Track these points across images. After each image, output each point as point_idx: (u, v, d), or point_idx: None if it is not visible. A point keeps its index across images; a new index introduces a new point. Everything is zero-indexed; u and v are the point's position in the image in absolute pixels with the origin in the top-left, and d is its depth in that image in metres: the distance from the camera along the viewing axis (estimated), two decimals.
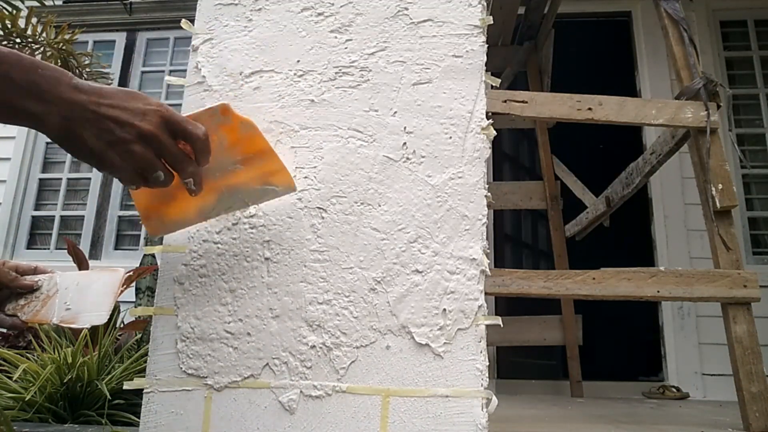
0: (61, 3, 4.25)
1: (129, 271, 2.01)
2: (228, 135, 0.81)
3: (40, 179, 4.18)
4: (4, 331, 2.17)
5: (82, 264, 1.96)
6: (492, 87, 1.02)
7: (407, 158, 0.95)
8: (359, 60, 1.00)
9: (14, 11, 1.94)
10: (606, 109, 1.89)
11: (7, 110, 0.64)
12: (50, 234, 4.07)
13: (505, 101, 1.83)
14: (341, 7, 1.03)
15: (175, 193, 0.81)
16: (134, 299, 2.26)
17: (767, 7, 3.75)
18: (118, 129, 0.66)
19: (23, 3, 1.96)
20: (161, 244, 0.95)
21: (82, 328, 0.87)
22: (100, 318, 0.88)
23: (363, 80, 0.99)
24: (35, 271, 0.95)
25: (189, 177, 0.75)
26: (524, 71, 3.46)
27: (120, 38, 4.37)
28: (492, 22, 1.02)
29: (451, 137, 0.95)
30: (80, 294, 0.90)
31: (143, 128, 0.68)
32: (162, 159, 0.71)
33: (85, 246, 3.91)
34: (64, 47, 2.04)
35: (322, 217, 0.93)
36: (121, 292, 1.78)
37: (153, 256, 2.21)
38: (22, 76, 0.63)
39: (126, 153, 0.68)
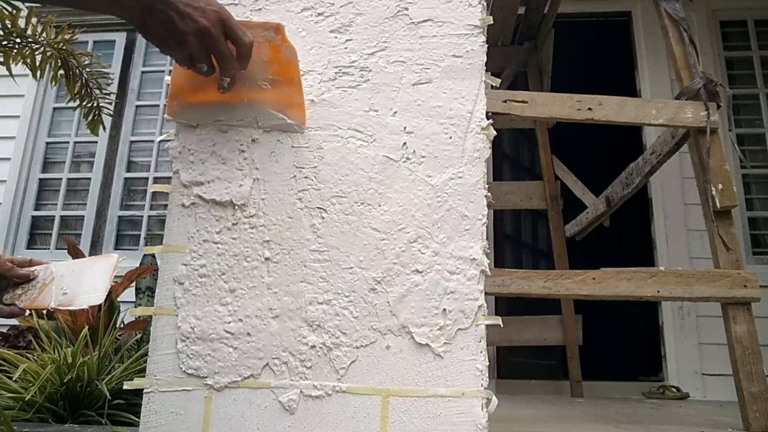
0: None
1: (129, 270, 2.01)
2: (271, 52, 0.90)
3: (40, 179, 4.18)
4: (4, 331, 2.16)
5: None
6: (492, 87, 1.02)
7: (407, 158, 0.95)
8: (359, 60, 1.00)
9: (14, 11, 1.93)
10: (606, 109, 1.89)
11: (103, 2, 0.81)
12: (50, 234, 4.07)
13: (505, 101, 1.83)
14: (341, 7, 1.03)
15: (206, 87, 0.92)
16: (134, 299, 2.26)
17: (767, 7, 3.75)
18: (180, 21, 0.78)
19: (23, 3, 1.96)
20: (161, 244, 0.95)
21: (80, 309, 0.89)
22: (97, 298, 0.89)
23: (363, 80, 0.99)
24: (30, 263, 0.96)
25: (227, 76, 0.86)
26: (524, 71, 3.45)
27: (120, 38, 4.36)
28: (492, 22, 1.02)
29: (451, 137, 0.95)
30: (76, 279, 0.91)
31: (201, 24, 0.79)
32: (210, 54, 0.83)
33: (85, 246, 3.90)
34: (64, 47, 2.03)
35: (322, 217, 0.93)
36: (124, 289, 1.78)
37: (153, 256, 2.21)
38: None
39: (182, 42, 0.80)
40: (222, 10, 0.82)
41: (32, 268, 0.95)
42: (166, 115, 1.00)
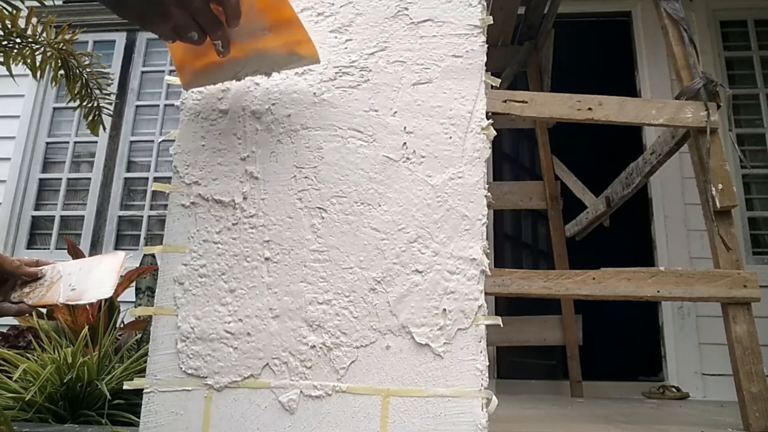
0: (61, 3, 4.25)
1: (129, 270, 2.01)
2: (258, 0, 0.86)
3: (40, 179, 4.17)
4: (4, 331, 2.16)
5: None
6: (492, 87, 1.02)
7: (407, 158, 0.95)
8: (359, 60, 1.00)
9: (14, 11, 1.93)
10: (606, 109, 1.89)
11: None
12: (50, 234, 4.07)
13: (505, 101, 1.83)
14: (341, 7, 1.03)
15: (208, 51, 0.89)
16: (134, 299, 2.26)
17: (767, 7, 3.75)
18: None
19: (23, 3, 1.96)
20: (161, 244, 0.95)
21: (89, 303, 0.89)
22: (106, 292, 0.88)
23: (363, 80, 0.99)
24: (37, 263, 0.97)
25: (218, 39, 0.84)
26: (524, 71, 3.45)
27: (120, 38, 4.36)
28: (492, 22, 1.02)
29: (451, 137, 0.96)
30: (84, 276, 0.91)
31: None
32: (196, 21, 0.80)
33: (85, 246, 3.90)
34: (64, 47, 2.04)
35: (322, 217, 0.93)
36: (124, 289, 1.78)
37: (153, 256, 2.21)
38: None
39: (164, 15, 0.77)
40: None
41: (40, 268, 0.95)
42: (183, 88, 0.98)
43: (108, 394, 1.46)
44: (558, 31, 3.24)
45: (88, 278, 0.91)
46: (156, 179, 4.05)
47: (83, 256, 2.04)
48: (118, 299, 1.96)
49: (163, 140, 3.94)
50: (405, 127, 0.96)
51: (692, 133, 1.94)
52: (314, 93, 0.99)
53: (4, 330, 2.18)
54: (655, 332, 3.46)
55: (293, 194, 0.94)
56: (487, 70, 0.99)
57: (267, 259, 0.91)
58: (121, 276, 1.99)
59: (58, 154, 4.24)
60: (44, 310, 1.84)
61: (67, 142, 4.23)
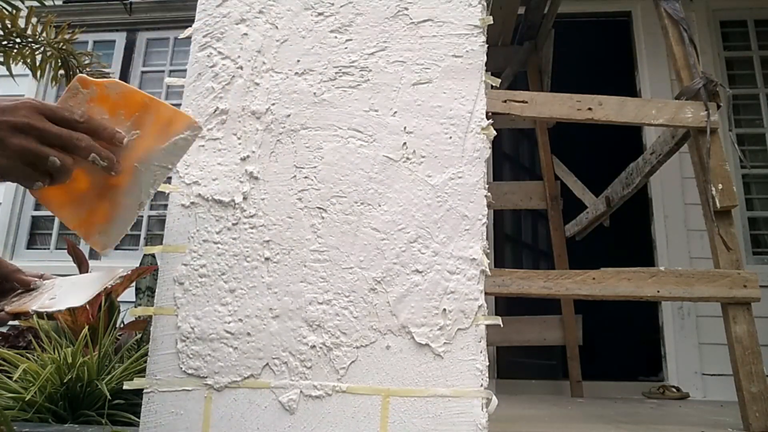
0: (61, 3, 4.25)
1: (129, 271, 2.01)
2: (103, 105, 0.75)
3: None
4: (4, 331, 2.16)
5: (82, 264, 1.96)
6: (492, 87, 1.02)
7: (407, 158, 0.95)
8: (359, 60, 1.00)
9: (14, 11, 1.94)
10: (606, 109, 1.89)
11: None
12: (50, 234, 4.07)
13: (505, 101, 1.83)
14: (341, 7, 1.03)
15: (98, 197, 0.77)
16: (134, 299, 2.26)
17: (767, 7, 3.75)
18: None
19: (23, 3, 1.96)
20: (161, 244, 0.95)
21: (58, 310, 0.86)
22: (76, 302, 0.85)
23: (363, 80, 0.99)
24: (42, 278, 0.95)
25: (88, 153, 0.70)
26: (524, 71, 3.45)
27: (120, 38, 4.36)
28: (492, 22, 1.02)
29: (451, 137, 0.96)
30: (70, 289, 0.90)
31: (14, 120, 0.65)
32: (51, 146, 0.67)
33: (84, 246, 3.90)
34: (64, 47, 2.04)
35: (322, 217, 0.93)
36: (124, 289, 1.77)
37: (153, 256, 2.21)
38: None
39: (5, 150, 0.64)
40: (32, 99, 0.69)
41: (35, 279, 0.94)
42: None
43: (108, 394, 1.46)
44: (558, 31, 3.24)
45: (70, 291, 0.89)
46: None
47: (83, 256, 2.04)
48: (118, 299, 1.96)
49: None
50: (405, 127, 0.96)
51: (692, 133, 1.94)
52: (314, 93, 0.99)
53: (4, 330, 2.18)
54: (655, 332, 3.46)
55: (293, 194, 0.94)
56: (487, 70, 0.99)
57: (267, 259, 0.91)
58: (121, 276, 1.99)
59: None
60: None
61: None
